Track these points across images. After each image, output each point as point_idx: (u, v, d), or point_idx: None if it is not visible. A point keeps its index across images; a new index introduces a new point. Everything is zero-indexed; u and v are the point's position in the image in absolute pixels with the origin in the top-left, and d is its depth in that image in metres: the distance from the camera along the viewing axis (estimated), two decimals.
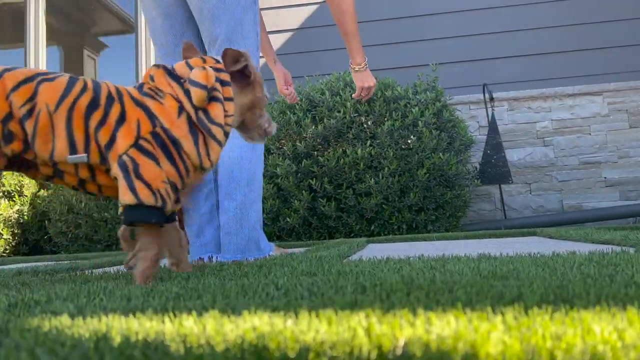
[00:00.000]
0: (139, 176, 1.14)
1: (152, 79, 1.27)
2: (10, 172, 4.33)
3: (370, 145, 3.84)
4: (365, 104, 3.90)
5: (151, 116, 1.19)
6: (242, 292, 0.95)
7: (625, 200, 4.55)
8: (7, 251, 4.36)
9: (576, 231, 2.90)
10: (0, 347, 0.57)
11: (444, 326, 0.59)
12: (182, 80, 1.25)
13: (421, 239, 3.26)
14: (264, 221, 3.99)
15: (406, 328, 0.59)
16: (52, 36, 6.16)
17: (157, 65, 1.29)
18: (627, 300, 0.72)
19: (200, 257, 2.09)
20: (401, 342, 0.53)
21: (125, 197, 1.15)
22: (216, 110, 1.25)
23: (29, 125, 1.13)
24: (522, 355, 0.49)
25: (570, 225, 4.24)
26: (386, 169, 3.75)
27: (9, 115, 1.13)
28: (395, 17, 5.01)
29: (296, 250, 2.67)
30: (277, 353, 0.52)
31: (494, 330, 0.57)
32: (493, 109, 4.67)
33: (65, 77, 1.21)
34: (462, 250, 2.32)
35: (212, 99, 1.25)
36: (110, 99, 1.21)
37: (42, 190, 4.47)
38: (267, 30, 5.05)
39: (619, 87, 4.64)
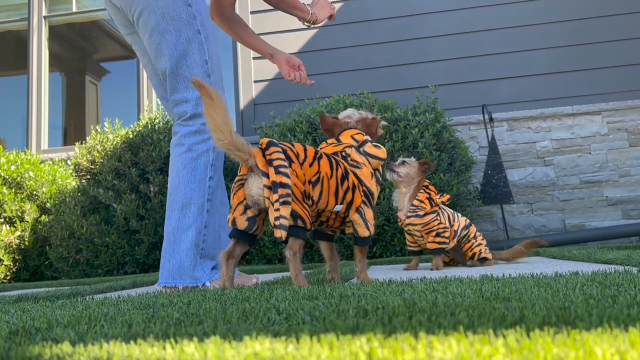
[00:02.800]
0: (366, 219, 1.78)
1: (348, 155, 1.84)
2: (12, 197, 4.34)
3: None
4: None
5: (360, 180, 1.78)
6: (244, 317, 0.94)
7: (628, 219, 4.54)
8: (8, 277, 4.34)
9: (579, 251, 2.89)
10: None
11: (445, 350, 0.59)
12: (361, 151, 1.85)
13: (423, 261, 3.24)
14: (264, 244, 3.98)
15: (408, 352, 0.58)
16: (55, 62, 6.24)
17: (349, 146, 1.84)
18: (629, 322, 0.72)
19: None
20: None
21: (364, 231, 1.77)
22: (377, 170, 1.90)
23: (317, 189, 1.66)
24: None
25: (573, 245, 4.22)
26: (387, 190, 3.75)
27: (305, 182, 1.65)
28: (395, 40, 5.07)
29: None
30: None
31: (495, 353, 0.56)
32: (493, 130, 4.69)
33: (325, 157, 1.75)
34: (464, 272, 2.31)
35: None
36: (346, 172, 1.76)
37: (43, 216, 4.47)
38: None
39: (618, 107, 4.67)
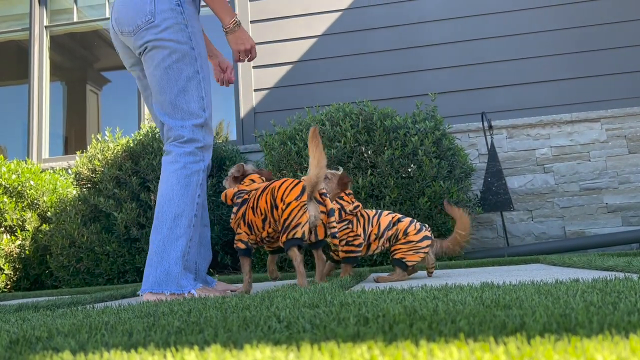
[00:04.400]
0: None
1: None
2: (13, 206, 4.34)
3: (371, 174, 3.86)
4: (365, 133, 3.93)
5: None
6: (244, 326, 0.94)
7: (628, 225, 4.54)
8: (9, 286, 4.33)
9: (579, 258, 2.89)
10: None
11: (446, 357, 0.59)
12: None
13: (424, 268, 3.23)
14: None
15: None
16: (56, 72, 6.26)
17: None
18: (630, 328, 0.72)
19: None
20: None
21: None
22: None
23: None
24: None
25: (573, 252, 4.21)
26: (387, 197, 3.75)
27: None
28: (394, 48, 5.09)
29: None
30: None
31: None
32: (492, 137, 4.70)
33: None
34: (465, 279, 2.31)
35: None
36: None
37: (44, 225, 4.47)
38: (269, 63, 5.14)
39: (617, 114, 4.68)
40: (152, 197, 4.09)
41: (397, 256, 2.47)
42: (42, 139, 5.68)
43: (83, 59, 6.84)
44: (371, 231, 2.53)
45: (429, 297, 1.28)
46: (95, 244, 4.06)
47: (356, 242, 2.50)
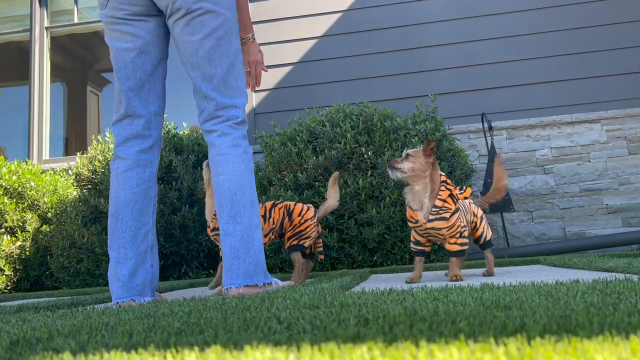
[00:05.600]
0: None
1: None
2: (13, 207, 4.34)
3: (371, 175, 3.86)
4: (366, 134, 3.93)
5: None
6: (244, 327, 0.94)
7: (628, 226, 4.53)
8: (9, 287, 4.33)
9: (579, 259, 2.89)
10: None
11: (446, 358, 0.59)
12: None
13: (424, 269, 3.23)
14: (265, 253, 3.98)
15: None
16: (56, 73, 6.27)
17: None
18: (630, 329, 0.72)
19: (131, 299, 2.02)
20: None
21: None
22: None
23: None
24: None
25: (574, 253, 4.21)
26: (387, 198, 3.76)
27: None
28: (394, 50, 5.09)
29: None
30: None
31: None
32: (492, 138, 4.70)
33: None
34: (465, 280, 2.31)
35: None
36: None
37: (44, 226, 4.47)
38: (269, 63, 5.14)
39: (617, 115, 4.68)
40: None
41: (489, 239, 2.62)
42: (43, 140, 5.68)
43: (83, 60, 6.85)
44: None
45: (429, 298, 1.28)
46: (96, 245, 4.06)
47: (466, 233, 2.37)
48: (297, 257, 2.59)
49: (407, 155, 2.30)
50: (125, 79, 2.21)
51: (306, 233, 2.59)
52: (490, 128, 4.74)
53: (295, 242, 2.59)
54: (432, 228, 2.29)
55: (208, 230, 2.60)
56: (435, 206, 2.27)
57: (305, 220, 2.60)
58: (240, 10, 2.22)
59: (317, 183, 3.92)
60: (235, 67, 2.11)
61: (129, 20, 2.12)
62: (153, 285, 2.13)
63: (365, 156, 3.91)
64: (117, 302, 2.01)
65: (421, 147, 2.33)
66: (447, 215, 2.27)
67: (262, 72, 2.41)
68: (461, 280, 2.29)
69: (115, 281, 2.05)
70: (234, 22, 2.11)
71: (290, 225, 2.60)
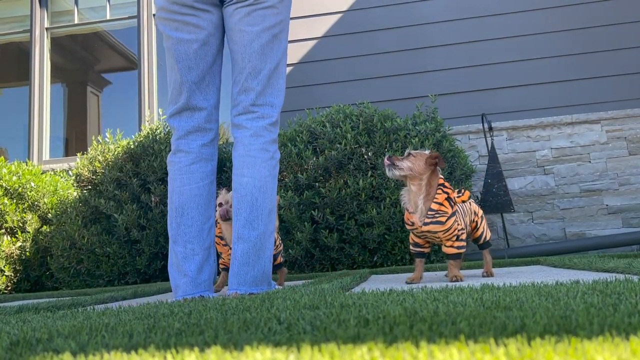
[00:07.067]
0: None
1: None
2: (13, 208, 4.34)
3: (372, 175, 3.86)
4: (366, 135, 3.94)
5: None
6: (244, 327, 0.94)
7: (628, 227, 4.53)
8: (9, 288, 4.33)
9: (580, 259, 2.89)
10: None
11: (446, 359, 0.59)
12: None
13: (424, 270, 3.23)
14: None
15: None
16: (57, 73, 6.27)
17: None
18: (630, 330, 0.72)
19: (200, 294, 2.01)
20: None
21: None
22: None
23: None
24: None
25: (574, 254, 4.21)
26: (388, 199, 3.76)
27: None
28: (395, 50, 5.09)
29: (299, 282, 2.65)
30: None
31: None
32: (492, 139, 4.70)
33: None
34: (465, 280, 2.31)
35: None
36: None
37: (44, 226, 4.47)
38: None
39: (617, 115, 4.68)
40: (153, 199, 4.09)
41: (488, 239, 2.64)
42: (43, 141, 5.68)
43: (84, 61, 6.85)
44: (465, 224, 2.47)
45: (429, 298, 1.28)
46: (96, 246, 4.06)
47: (464, 236, 2.36)
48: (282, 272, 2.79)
49: (409, 154, 2.30)
50: (186, 70, 2.12)
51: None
52: (491, 128, 4.74)
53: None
54: (428, 231, 2.29)
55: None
56: (431, 209, 2.27)
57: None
58: None
59: (317, 184, 3.92)
60: (280, 67, 2.12)
61: (195, 10, 2.07)
62: (213, 281, 2.15)
63: (366, 157, 3.91)
64: (184, 298, 1.98)
65: (425, 150, 2.33)
66: (443, 219, 2.26)
67: None
68: (461, 280, 2.29)
69: (183, 277, 2.03)
70: (288, 24, 2.14)
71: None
